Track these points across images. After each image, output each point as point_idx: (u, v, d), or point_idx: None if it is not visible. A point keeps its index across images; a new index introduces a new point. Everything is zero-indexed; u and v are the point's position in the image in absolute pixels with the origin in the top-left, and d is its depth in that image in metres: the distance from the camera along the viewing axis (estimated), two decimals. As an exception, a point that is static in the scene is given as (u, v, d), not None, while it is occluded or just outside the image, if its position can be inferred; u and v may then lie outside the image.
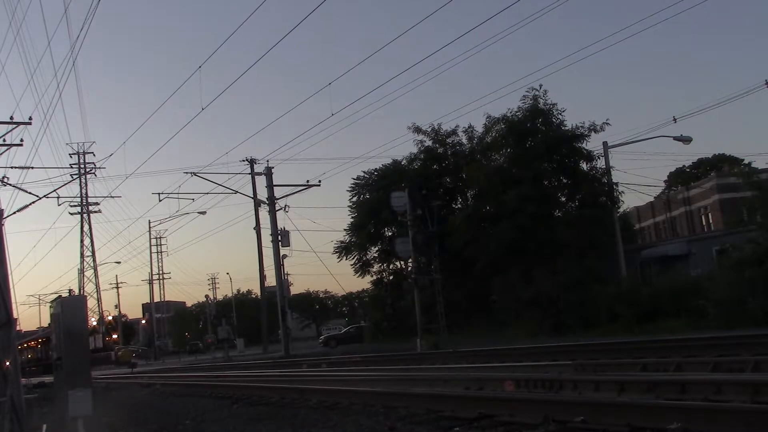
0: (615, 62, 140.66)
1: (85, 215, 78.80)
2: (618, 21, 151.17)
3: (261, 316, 53.10)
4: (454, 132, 45.26)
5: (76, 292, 73.23)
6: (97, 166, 72.36)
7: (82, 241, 79.50)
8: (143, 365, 59.19)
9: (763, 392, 8.39)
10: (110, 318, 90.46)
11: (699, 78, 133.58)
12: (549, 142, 37.69)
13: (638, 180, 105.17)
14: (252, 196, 47.12)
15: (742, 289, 24.37)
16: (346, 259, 49.39)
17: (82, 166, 73.22)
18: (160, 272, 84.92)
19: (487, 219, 39.75)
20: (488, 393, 11.43)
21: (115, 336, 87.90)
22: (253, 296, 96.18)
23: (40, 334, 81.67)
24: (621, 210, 42.52)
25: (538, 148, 37.62)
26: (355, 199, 48.93)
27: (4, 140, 30.82)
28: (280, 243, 44.52)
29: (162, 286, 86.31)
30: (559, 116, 38.58)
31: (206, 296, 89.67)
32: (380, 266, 49.58)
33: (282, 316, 44.44)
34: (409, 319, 39.54)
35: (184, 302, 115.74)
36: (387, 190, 40.75)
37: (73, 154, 73.46)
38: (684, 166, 70.10)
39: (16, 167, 37.01)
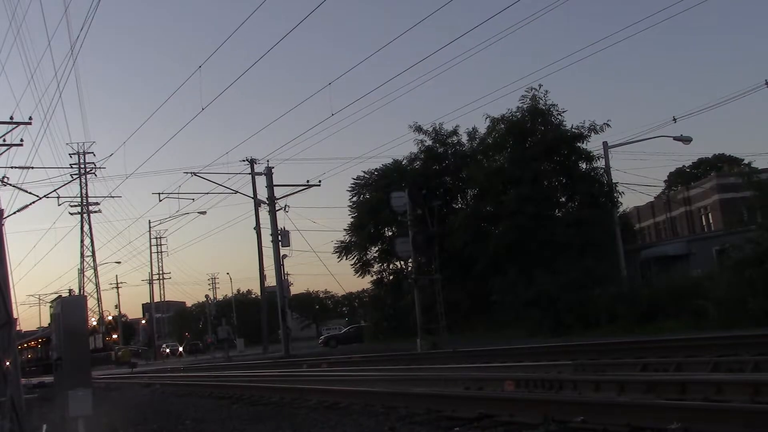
0: (615, 62, 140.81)
1: (85, 215, 78.79)
2: (618, 21, 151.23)
3: (261, 316, 53.10)
4: (454, 132, 45.34)
5: (76, 292, 73.37)
6: (97, 166, 72.34)
7: (82, 241, 79.50)
8: (143, 365, 59.21)
9: (763, 392, 8.39)
10: (110, 318, 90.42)
11: (699, 78, 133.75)
12: (549, 143, 37.71)
13: (638, 180, 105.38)
14: (252, 196, 47.16)
15: (742, 289, 24.33)
16: (346, 259, 49.40)
17: (82, 166, 73.21)
18: (160, 272, 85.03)
19: (487, 219, 39.74)
20: (488, 393, 11.42)
21: (115, 336, 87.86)
22: (253, 296, 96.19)
23: (40, 334, 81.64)
24: (621, 210, 42.56)
25: (538, 149, 37.64)
26: (355, 199, 48.94)
27: (4, 140, 30.86)
28: (280, 243, 44.50)
29: (162, 286, 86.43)
30: (559, 116, 38.69)
31: (206, 296, 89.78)
32: (380, 266, 49.56)
33: (282, 316, 44.41)
34: (409, 319, 39.50)
35: (184, 302, 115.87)
36: (387, 190, 40.70)
37: (73, 154, 73.49)
38: (684, 166, 70.27)
39: (16, 167, 37.09)
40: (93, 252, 79.57)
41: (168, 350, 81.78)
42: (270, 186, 45.42)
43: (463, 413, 9.43)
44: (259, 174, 46.28)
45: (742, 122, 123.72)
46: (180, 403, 16.75)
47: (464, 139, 45.24)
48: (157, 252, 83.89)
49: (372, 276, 50.20)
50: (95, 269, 79.84)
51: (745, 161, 61.83)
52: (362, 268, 49.24)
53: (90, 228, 79.52)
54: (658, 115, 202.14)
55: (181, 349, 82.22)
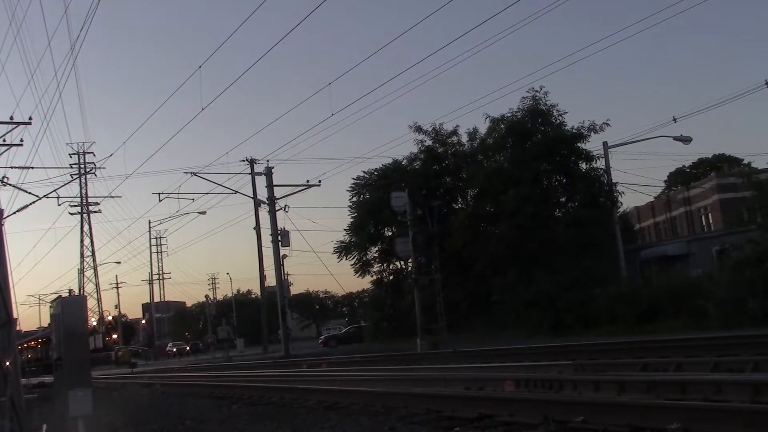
0: (615, 62, 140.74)
1: (85, 215, 78.80)
2: (618, 21, 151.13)
3: (261, 316, 53.10)
4: (454, 132, 45.38)
5: (76, 292, 73.29)
6: (97, 166, 72.26)
7: (82, 241, 79.52)
8: (143, 365, 59.21)
9: (763, 392, 8.39)
10: (110, 318, 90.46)
11: (699, 78, 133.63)
12: (549, 143, 37.74)
13: (638, 180, 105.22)
14: (252, 196, 47.14)
15: (742, 289, 24.36)
16: (346, 259, 49.43)
17: (82, 166, 73.21)
18: (160, 272, 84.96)
19: (487, 219, 39.76)
20: (488, 393, 11.42)
21: (115, 336, 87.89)
22: (253, 296, 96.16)
23: (40, 334, 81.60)
24: (621, 210, 42.58)
25: (538, 149, 37.65)
26: (355, 199, 48.98)
27: (4, 140, 30.90)
28: (280, 243, 44.51)
29: (162, 286, 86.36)
30: (560, 117, 38.73)
31: (206, 296, 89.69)
32: (380, 266, 49.58)
33: (282, 316, 44.42)
34: (409, 319, 39.51)
35: (184, 302, 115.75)
36: (387, 190, 40.73)
37: (73, 154, 73.48)
38: (684, 166, 70.21)
39: (16, 167, 37.11)
40: (93, 252, 79.67)
41: (175, 349, 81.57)
42: (270, 186, 45.43)
43: (463, 413, 9.43)
44: (259, 174, 46.33)
45: (742, 122, 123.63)
46: (180, 403, 16.75)
47: (464, 139, 45.35)
48: (157, 252, 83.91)
49: (372, 276, 50.30)
50: (95, 269, 79.94)
51: (745, 161, 61.73)
52: (362, 268, 49.27)
53: (90, 228, 79.61)
54: (658, 115, 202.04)
55: (188, 348, 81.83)
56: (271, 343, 52.36)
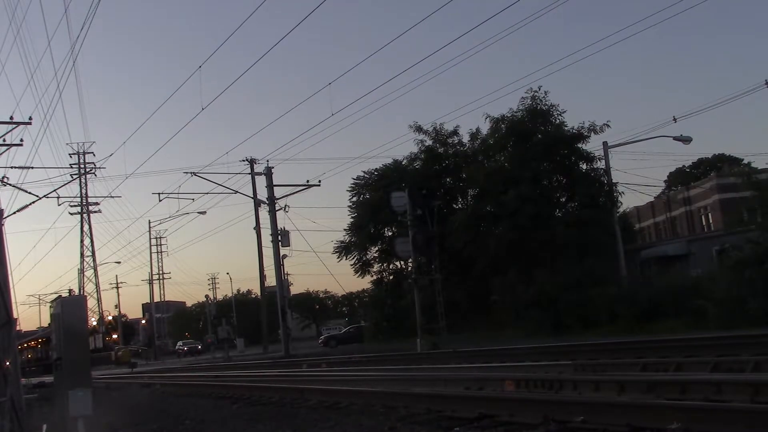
0: (615, 62, 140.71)
1: (85, 215, 78.90)
2: (618, 21, 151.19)
3: (261, 316, 53.11)
4: (455, 132, 45.35)
5: (76, 292, 73.32)
6: (97, 166, 72.42)
7: (82, 241, 79.61)
8: (143, 365, 59.22)
9: (763, 392, 8.39)
10: (110, 318, 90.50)
11: (699, 78, 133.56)
12: (549, 143, 37.73)
13: (638, 180, 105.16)
14: (252, 196, 47.15)
15: (742, 289, 24.36)
16: (346, 259, 49.42)
17: (82, 166, 73.28)
18: (160, 272, 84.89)
19: (487, 219, 39.75)
20: (488, 393, 11.43)
21: (115, 336, 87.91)
22: (253, 296, 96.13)
23: (40, 334, 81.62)
24: (621, 210, 42.59)
25: (538, 149, 37.65)
26: (355, 199, 48.97)
27: (4, 140, 30.87)
28: (280, 243, 44.52)
29: (162, 286, 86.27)
30: (560, 117, 38.73)
31: (206, 296, 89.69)
32: (380, 266, 49.57)
33: (282, 316, 44.43)
34: (409, 319, 39.51)
35: (184, 302, 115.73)
36: (387, 190, 40.73)
37: (73, 154, 73.59)
38: (684, 166, 70.20)
39: (16, 167, 37.05)
40: (93, 252, 79.77)
41: (185, 348, 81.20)
42: (270, 186, 45.44)
43: (463, 413, 9.44)
44: (259, 174, 46.34)
45: (742, 122, 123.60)
46: (180, 403, 16.75)
47: (465, 139, 45.33)
48: (157, 252, 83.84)
49: (372, 276, 50.28)
50: (95, 269, 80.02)
51: (745, 161, 61.80)
52: (362, 268, 49.26)
53: (90, 228, 79.72)
54: (658, 115, 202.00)
55: (199, 347, 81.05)
56: (271, 343, 52.36)
